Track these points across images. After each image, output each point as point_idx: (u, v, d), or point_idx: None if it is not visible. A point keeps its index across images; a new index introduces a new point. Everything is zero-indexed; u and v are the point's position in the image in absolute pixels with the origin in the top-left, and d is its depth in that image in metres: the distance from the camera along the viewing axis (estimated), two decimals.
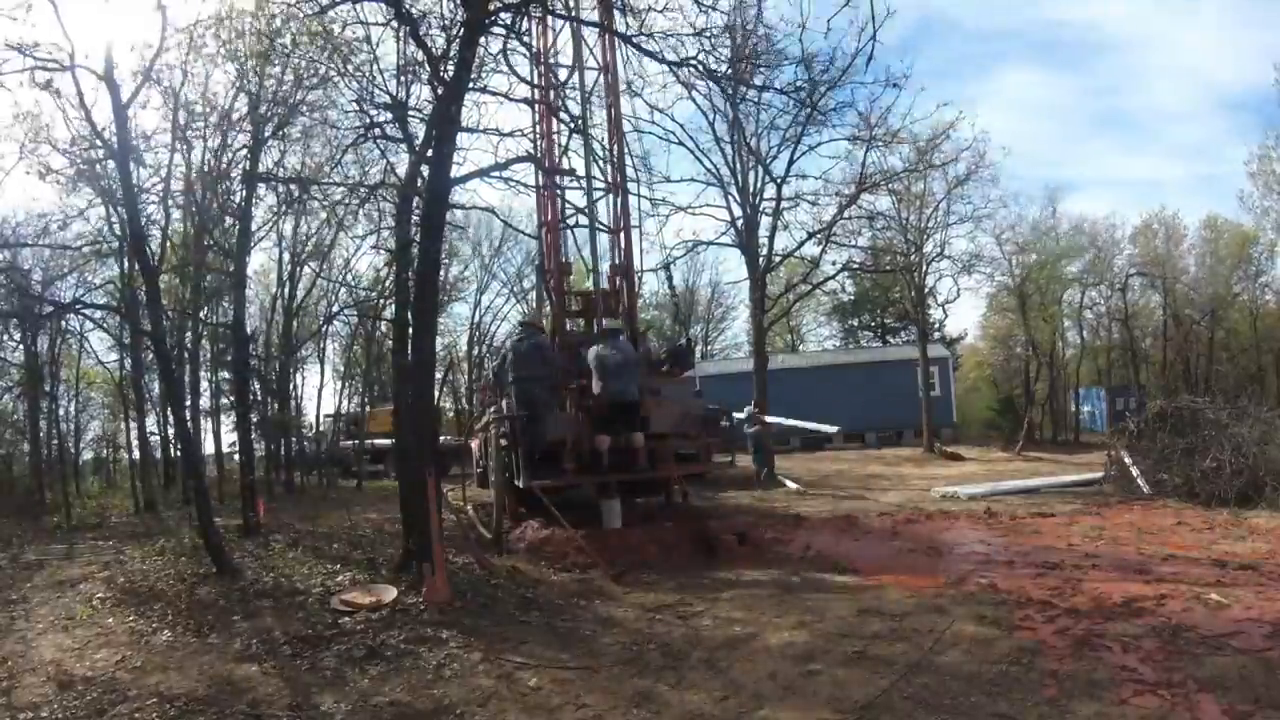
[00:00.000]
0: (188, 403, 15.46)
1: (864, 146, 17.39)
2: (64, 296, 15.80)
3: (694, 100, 16.63)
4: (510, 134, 9.00)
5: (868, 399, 26.26)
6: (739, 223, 17.66)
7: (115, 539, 10.79)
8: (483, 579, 6.96)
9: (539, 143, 10.44)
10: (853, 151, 17.74)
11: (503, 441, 9.51)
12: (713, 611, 6.02)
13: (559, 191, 10.93)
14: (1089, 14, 59.08)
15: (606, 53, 10.73)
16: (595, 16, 10.10)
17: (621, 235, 10.73)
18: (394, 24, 8.35)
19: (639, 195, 11.50)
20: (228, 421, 18.27)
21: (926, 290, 23.92)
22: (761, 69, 12.37)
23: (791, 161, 17.38)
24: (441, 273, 18.32)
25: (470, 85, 7.59)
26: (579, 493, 9.93)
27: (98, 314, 15.98)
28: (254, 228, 13.83)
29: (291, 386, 20.26)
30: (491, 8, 7.25)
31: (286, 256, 18.22)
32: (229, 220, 14.02)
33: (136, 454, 17.77)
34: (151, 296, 9.33)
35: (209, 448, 18.29)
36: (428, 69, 8.16)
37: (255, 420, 15.29)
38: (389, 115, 9.42)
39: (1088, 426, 29.20)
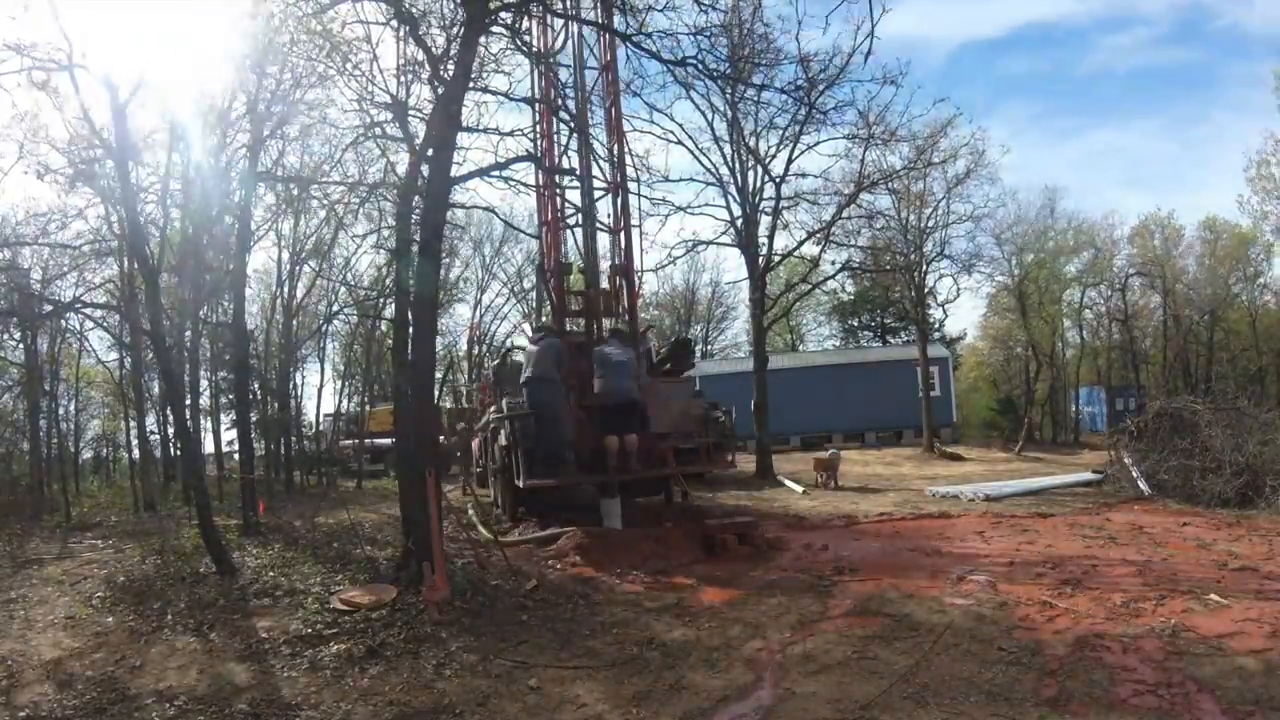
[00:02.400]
0: (187, 402, 15.48)
1: (863, 145, 17.41)
2: (64, 295, 15.84)
3: (693, 100, 16.65)
4: (510, 133, 9.02)
5: (868, 399, 26.29)
6: (738, 222, 17.65)
7: (115, 538, 10.80)
8: (482, 579, 6.96)
9: (539, 142, 10.43)
10: (852, 150, 17.76)
11: (502, 441, 9.50)
12: (712, 611, 6.02)
13: (559, 191, 10.93)
14: None
15: (606, 52, 10.73)
16: (595, 16, 10.10)
17: (621, 235, 10.72)
18: (394, 23, 8.34)
19: (639, 195, 11.49)
20: (227, 420, 18.31)
21: (926, 290, 23.95)
22: (760, 68, 12.36)
23: (790, 160, 17.38)
24: (442, 272, 18.35)
25: (470, 85, 7.59)
26: (579, 492, 9.94)
27: (97, 313, 16.03)
28: (253, 227, 13.87)
29: (291, 386, 20.30)
30: (492, 7, 7.25)
31: (286, 255, 18.26)
32: (228, 219, 14.03)
33: (136, 453, 17.82)
34: (151, 295, 9.34)
35: (209, 447, 18.34)
36: (428, 68, 8.15)
37: (255, 419, 15.30)
38: (389, 114, 9.41)
39: (1088, 426, 29.20)
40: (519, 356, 11.71)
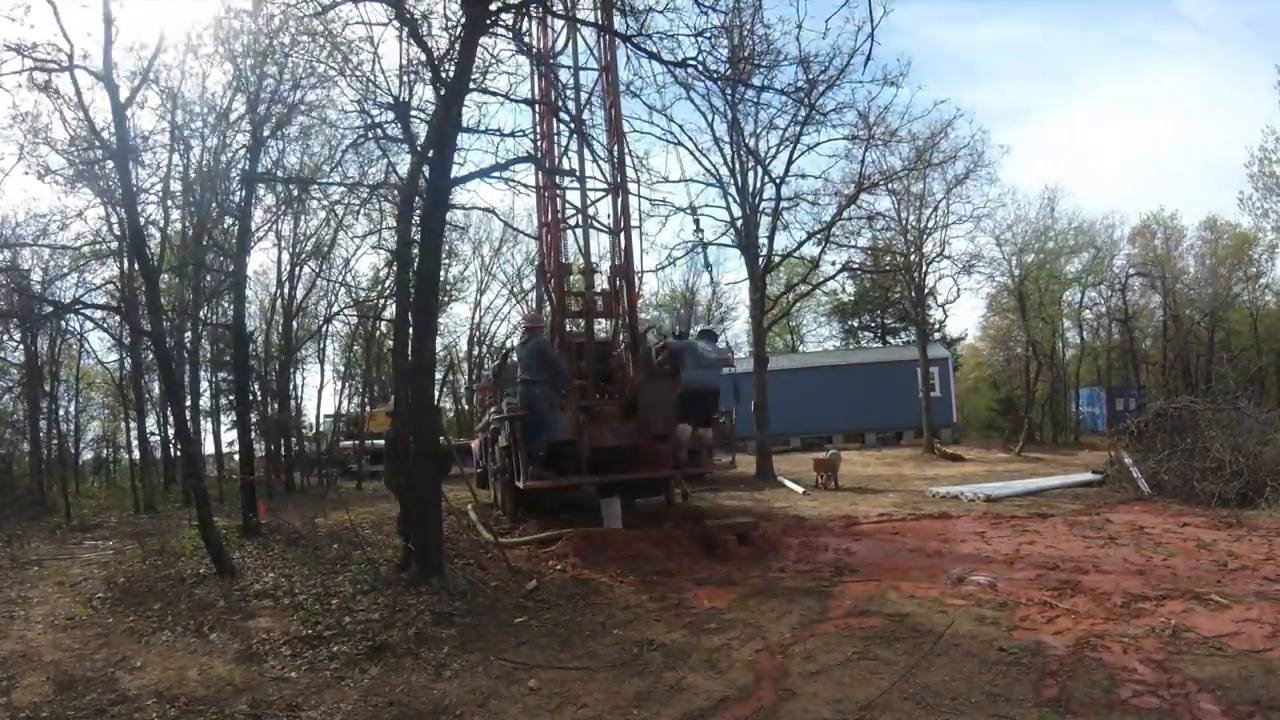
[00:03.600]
0: (187, 403, 15.48)
1: (863, 146, 17.42)
2: (64, 297, 15.81)
3: (693, 100, 16.66)
4: (511, 134, 9.01)
5: (868, 399, 26.26)
6: (738, 223, 17.65)
7: (115, 539, 10.81)
8: (482, 579, 6.97)
9: (539, 143, 10.43)
10: (852, 151, 17.77)
11: (502, 442, 9.50)
12: (712, 612, 6.02)
13: (559, 192, 10.92)
14: None
15: (606, 53, 10.73)
16: (595, 17, 10.10)
17: (621, 236, 10.71)
18: (395, 24, 8.35)
19: (639, 195, 11.48)
20: (227, 421, 18.31)
21: (926, 290, 23.95)
22: (760, 69, 12.37)
23: (790, 161, 17.39)
24: (442, 273, 18.34)
25: (471, 86, 7.59)
26: (579, 493, 9.94)
27: (97, 314, 16.01)
28: (253, 228, 13.84)
29: (291, 386, 20.30)
30: (492, 8, 7.26)
31: (286, 256, 18.27)
32: (228, 220, 14.04)
33: (136, 454, 17.81)
34: (151, 296, 9.33)
35: (209, 448, 18.34)
36: (429, 69, 8.15)
37: (255, 420, 15.30)
38: (390, 115, 9.42)
39: (1088, 427, 29.18)
40: (518, 357, 11.71)
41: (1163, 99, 60.65)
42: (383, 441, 19.43)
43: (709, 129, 17.49)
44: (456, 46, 7.45)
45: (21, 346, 16.39)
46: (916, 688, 4.27)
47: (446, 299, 28.13)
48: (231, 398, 16.32)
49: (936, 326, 29.74)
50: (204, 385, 19.27)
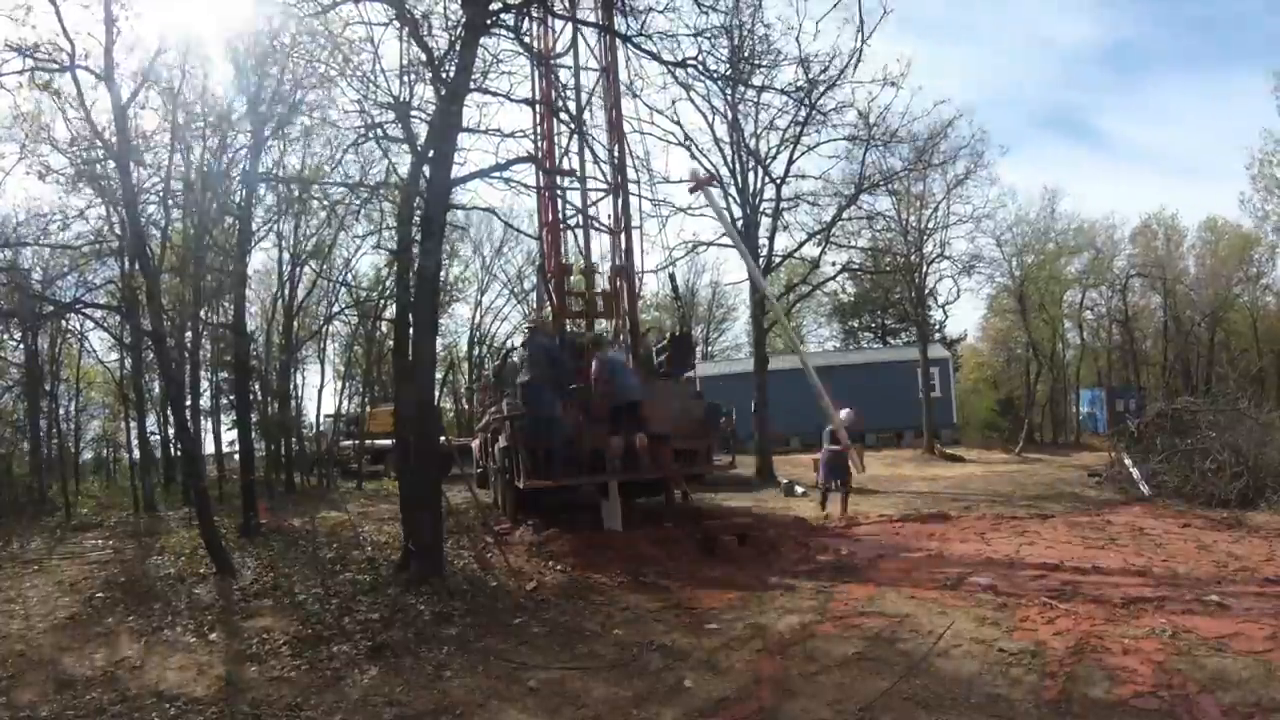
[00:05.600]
0: (188, 402, 15.46)
1: (863, 146, 17.42)
2: (64, 296, 15.76)
3: (693, 101, 16.67)
4: (511, 134, 9.00)
5: (868, 400, 26.12)
6: (739, 223, 17.65)
7: (115, 538, 10.81)
8: (483, 580, 6.96)
9: (539, 144, 10.43)
10: (852, 151, 17.79)
11: (503, 443, 9.49)
12: (712, 613, 6.01)
13: (560, 192, 10.93)
14: None
15: (606, 54, 10.74)
16: (595, 17, 10.11)
17: (622, 236, 10.72)
18: (395, 24, 8.35)
19: (639, 196, 11.47)
20: (228, 421, 18.30)
21: (926, 291, 23.92)
22: (760, 69, 12.39)
23: (791, 162, 17.43)
24: (442, 273, 18.34)
25: (471, 86, 7.59)
26: (580, 493, 9.93)
27: (98, 313, 15.95)
28: (254, 228, 13.85)
29: (291, 386, 20.28)
30: (493, 8, 7.26)
31: (287, 256, 18.25)
32: (229, 220, 14.03)
33: (136, 453, 17.80)
34: (152, 296, 9.34)
35: (209, 447, 18.32)
36: (429, 69, 8.15)
37: (255, 420, 15.29)
38: (391, 115, 9.41)
39: (1088, 428, 29.19)
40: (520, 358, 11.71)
41: None
42: (383, 441, 19.52)
43: (709, 129, 17.54)
44: (457, 46, 7.45)
45: (22, 346, 16.37)
46: (916, 688, 4.27)
47: (447, 299, 28.12)
48: (232, 397, 16.31)
49: (937, 327, 29.72)
50: (204, 385, 19.26)
